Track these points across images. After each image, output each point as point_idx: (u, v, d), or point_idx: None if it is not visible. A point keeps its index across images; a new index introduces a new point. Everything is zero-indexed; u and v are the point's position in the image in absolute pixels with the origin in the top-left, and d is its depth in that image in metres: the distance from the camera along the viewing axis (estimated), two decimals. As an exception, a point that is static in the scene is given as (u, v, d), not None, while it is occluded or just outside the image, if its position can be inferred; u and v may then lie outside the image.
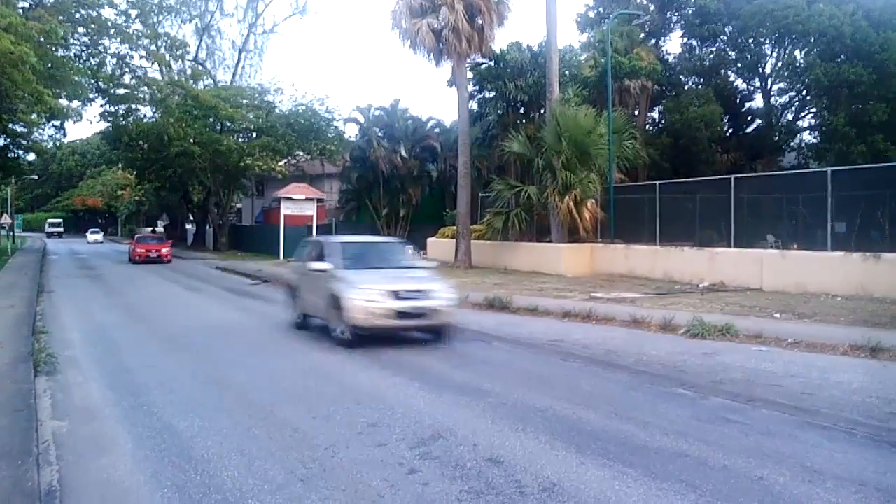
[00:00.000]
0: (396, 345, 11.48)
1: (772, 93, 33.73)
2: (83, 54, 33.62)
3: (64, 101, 30.48)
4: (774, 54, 32.87)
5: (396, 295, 10.99)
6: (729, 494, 5.19)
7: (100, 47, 33.44)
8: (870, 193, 17.80)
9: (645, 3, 35.48)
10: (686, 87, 34.56)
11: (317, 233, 35.31)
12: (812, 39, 28.95)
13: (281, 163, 43.82)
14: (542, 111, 28.02)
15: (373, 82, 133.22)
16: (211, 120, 40.23)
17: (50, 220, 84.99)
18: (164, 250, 35.48)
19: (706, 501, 5.07)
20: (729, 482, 5.44)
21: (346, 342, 11.20)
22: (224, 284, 24.46)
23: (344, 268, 11.73)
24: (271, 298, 20.02)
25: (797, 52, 31.18)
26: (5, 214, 54.85)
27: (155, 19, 35.28)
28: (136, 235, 44.39)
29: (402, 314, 11.00)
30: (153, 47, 34.04)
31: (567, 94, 27.66)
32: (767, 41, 31.94)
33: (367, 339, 11.13)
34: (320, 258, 12.55)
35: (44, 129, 39.01)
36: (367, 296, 10.86)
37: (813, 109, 32.20)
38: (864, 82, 26.93)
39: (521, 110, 31.32)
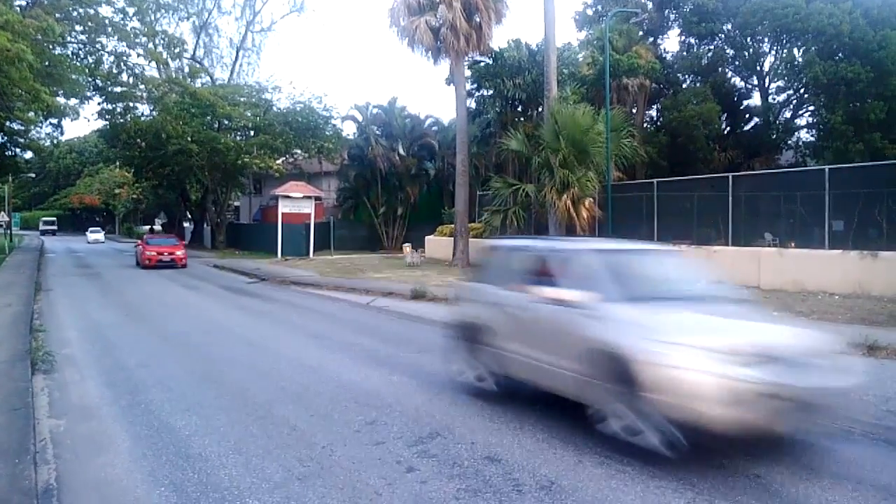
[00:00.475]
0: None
1: (770, 91, 33.76)
2: (80, 52, 33.51)
3: (61, 99, 30.42)
4: (773, 52, 32.89)
5: (775, 360, 5.56)
6: (726, 492, 5.21)
7: (97, 45, 33.34)
8: (867, 192, 17.83)
9: (643, 1, 35.47)
10: (684, 86, 34.57)
11: (314, 231, 35.29)
12: (810, 37, 28.95)
13: (279, 161, 43.80)
14: (540, 109, 28.03)
15: (371, 80, 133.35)
16: (209, 118, 40.17)
17: (44, 219, 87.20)
18: (178, 252, 30.98)
19: (704, 499, 5.08)
20: (726, 480, 5.45)
21: (648, 450, 5.75)
22: (221, 283, 24.43)
23: (624, 300, 6.42)
24: (269, 297, 20.03)
25: (795, 51, 31.20)
26: (3, 213, 54.81)
27: (152, 17, 35.16)
28: (145, 235, 41.22)
29: (794, 402, 5.46)
30: (150, 45, 33.98)
31: (565, 93, 27.67)
32: (766, 39, 31.95)
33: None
34: (548, 279, 7.04)
35: (41, 127, 38.96)
36: (713, 363, 5.40)
37: (811, 107, 32.23)
38: (862, 80, 26.93)
39: (520, 108, 31.35)
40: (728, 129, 34.37)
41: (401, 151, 39.75)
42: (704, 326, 6.02)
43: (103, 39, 32.91)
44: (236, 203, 57.93)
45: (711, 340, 5.59)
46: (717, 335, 5.77)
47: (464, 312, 8.60)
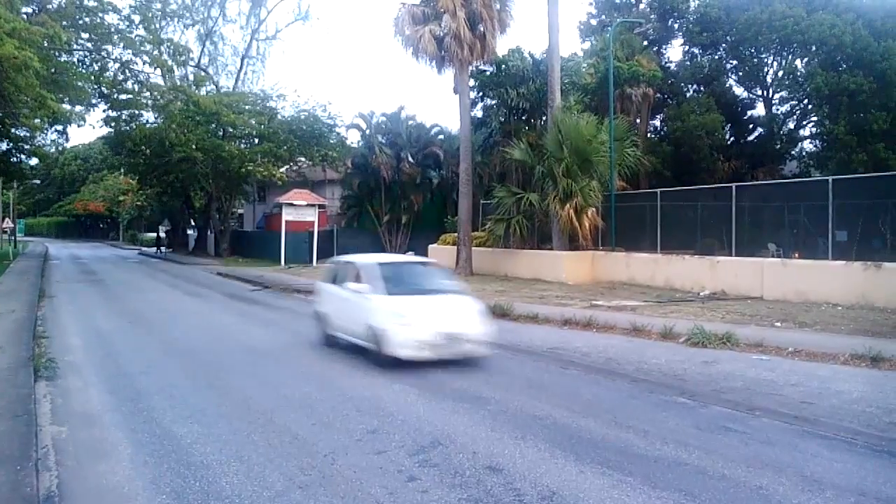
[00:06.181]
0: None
1: (773, 101, 33.75)
2: (86, 59, 33.70)
3: (67, 106, 30.53)
4: (775, 63, 32.93)
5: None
6: (728, 503, 5.19)
7: (103, 52, 33.53)
8: (871, 202, 17.79)
9: (647, 10, 35.55)
10: (687, 95, 34.58)
11: (318, 239, 35.32)
12: (813, 48, 28.98)
13: (283, 169, 43.82)
14: (543, 119, 28.04)
15: (376, 89, 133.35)
16: (213, 126, 40.22)
17: None
18: None
19: (705, 511, 5.07)
20: (728, 491, 5.44)
21: None
22: (225, 290, 24.45)
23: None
24: (272, 305, 20.04)
25: (798, 61, 31.23)
26: (7, 219, 54.97)
27: (158, 25, 35.37)
28: None
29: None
30: (156, 53, 34.16)
31: (568, 102, 27.70)
32: (767, 50, 31.99)
33: None
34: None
35: (46, 134, 38.99)
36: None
37: (814, 118, 32.18)
38: (865, 91, 26.94)
39: (523, 117, 31.35)
40: (732, 139, 34.35)
41: (406, 160, 39.77)
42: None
43: (109, 47, 33.11)
44: (240, 210, 57.93)
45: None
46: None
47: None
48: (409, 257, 15.12)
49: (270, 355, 11.58)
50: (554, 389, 9.08)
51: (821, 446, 6.61)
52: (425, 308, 10.43)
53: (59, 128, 37.52)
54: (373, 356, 10.35)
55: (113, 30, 31.35)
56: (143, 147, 42.52)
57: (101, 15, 30.15)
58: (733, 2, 31.64)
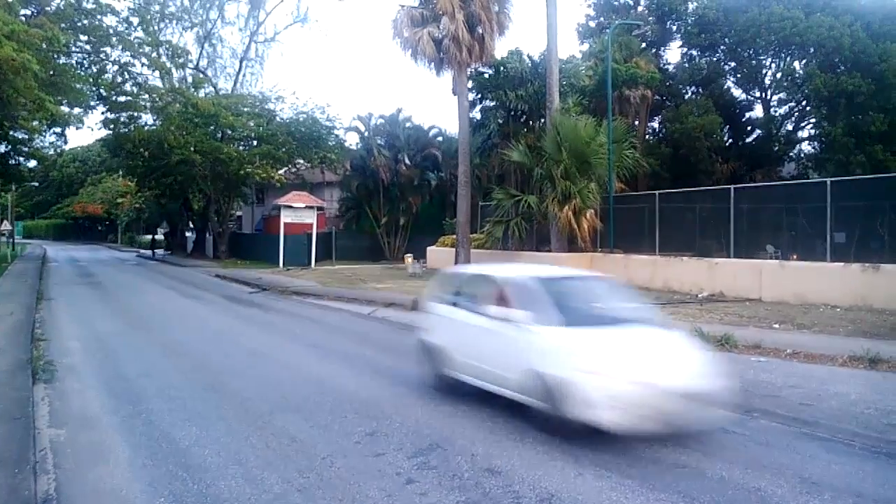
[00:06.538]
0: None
1: (771, 103, 33.81)
2: (85, 62, 33.70)
3: (65, 108, 30.51)
4: (773, 65, 32.99)
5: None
6: (726, 506, 5.20)
7: (101, 55, 33.53)
8: (869, 204, 17.82)
9: (645, 12, 35.60)
10: (686, 97, 34.62)
11: (316, 241, 35.31)
12: (811, 50, 29.04)
13: (281, 171, 43.83)
14: (542, 120, 28.06)
15: (374, 91, 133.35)
16: (212, 128, 40.20)
17: None
18: None
19: (704, 513, 5.07)
20: (726, 493, 5.44)
21: None
22: (223, 292, 24.43)
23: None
24: (271, 307, 20.02)
25: (796, 63, 31.29)
26: (5, 221, 54.89)
27: (156, 27, 35.40)
28: None
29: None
30: (154, 55, 34.18)
31: (567, 104, 27.70)
32: (765, 52, 32.05)
33: None
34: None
35: (45, 136, 39.03)
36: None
37: (812, 120, 32.26)
38: (863, 93, 26.98)
39: (522, 119, 31.39)
40: (730, 140, 34.39)
41: (404, 161, 39.80)
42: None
43: (107, 49, 33.11)
44: (238, 213, 57.89)
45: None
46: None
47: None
48: (578, 270, 10.53)
49: (268, 357, 11.53)
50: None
51: (819, 448, 6.63)
52: (629, 348, 6.98)
53: (58, 130, 37.60)
54: (535, 418, 7.12)
55: (111, 32, 31.35)
56: (141, 149, 42.50)
57: (99, 17, 30.14)
58: (731, 3, 31.68)
